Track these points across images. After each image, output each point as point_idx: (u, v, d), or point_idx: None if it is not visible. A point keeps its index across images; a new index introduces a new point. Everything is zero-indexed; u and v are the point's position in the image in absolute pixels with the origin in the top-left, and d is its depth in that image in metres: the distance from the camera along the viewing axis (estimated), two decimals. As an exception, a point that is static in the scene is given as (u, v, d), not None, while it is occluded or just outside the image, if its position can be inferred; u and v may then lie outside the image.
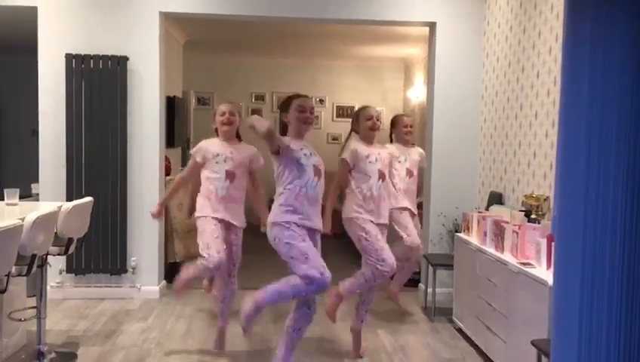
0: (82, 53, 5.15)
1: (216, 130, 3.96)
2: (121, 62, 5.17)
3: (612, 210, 2.06)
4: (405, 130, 4.90)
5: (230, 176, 3.82)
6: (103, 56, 5.15)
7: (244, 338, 3.99)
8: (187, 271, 3.72)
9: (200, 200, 3.87)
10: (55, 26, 5.19)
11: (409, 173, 4.82)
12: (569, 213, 2.10)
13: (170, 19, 5.92)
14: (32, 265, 3.10)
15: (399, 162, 4.74)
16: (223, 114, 3.91)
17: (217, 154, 3.83)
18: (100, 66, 5.16)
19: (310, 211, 3.29)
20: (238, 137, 4.01)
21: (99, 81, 5.16)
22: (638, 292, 2.13)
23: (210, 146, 3.88)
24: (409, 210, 4.77)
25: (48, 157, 5.25)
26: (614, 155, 2.01)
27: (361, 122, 4.06)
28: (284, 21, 5.77)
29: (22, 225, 2.83)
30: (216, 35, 7.69)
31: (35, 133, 6.91)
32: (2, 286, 2.77)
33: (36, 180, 5.39)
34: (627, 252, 2.10)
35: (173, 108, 6.75)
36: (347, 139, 4.15)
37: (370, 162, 3.95)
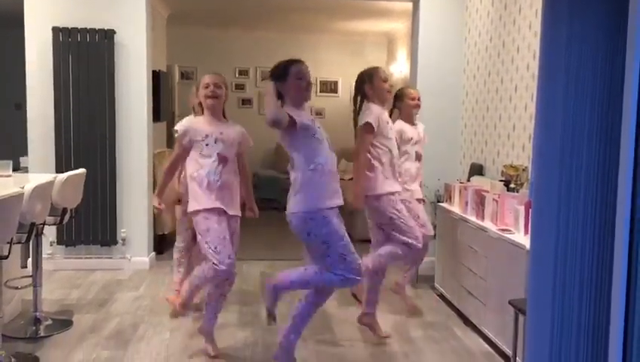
0: (69, 26, 5.16)
1: (199, 105, 3.55)
2: (108, 35, 5.20)
3: (585, 173, 2.20)
4: (413, 102, 4.33)
5: (223, 159, 3.38)
6: (90, 29, 5.18)
7: (268, 326, 3.59)
8: (187, 287, 3.48)
9: (192, 189, 3.39)
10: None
11: (418, 156, 4.35)
12: (545, 179, 2.24)
13: (155, -7, 5.93)
14: (31, 234, 3.20)
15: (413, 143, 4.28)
16: (207, 86, 3.43)
17: (206, 135, 3.37)
18: (87, 40, 5.18)
19: (337, 188, 3.07)
20: (223, 115, 3.58)
21: (86, 55, 5.19)
22: (607, 252, 2.28)
23: (197, 126, 3.43)
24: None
25: (36, 130, 5.29)
26: (588, 124, 2.15)
27: (376, 83, 3.71)
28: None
29: (22, 194, 2.92)
30: (199, 8, 7.70)
31: (19, 107, 6.91)
32: (5, 253, 2.86)
33: (22, 154, 5.43)
34: (599, 214, 2.26)
35: (158, 83, 6.77)
36: (356, 105, 3.76)
37: (391, 129, 3.73)
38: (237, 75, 9.55)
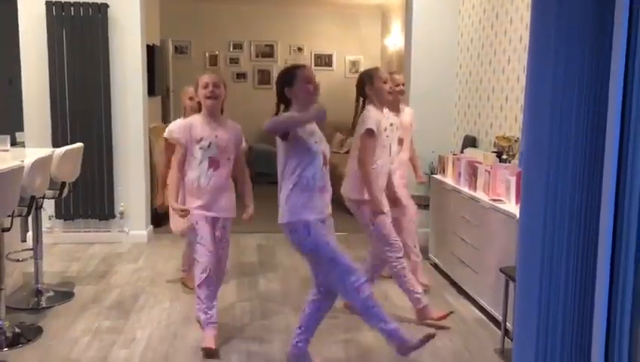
0: (62, 0, 5.14)
1: (197, 103, 3.47)
2: (101, 9, 5.19)
3: (574, 143, 2.26)
4: (397, 89, 4.19)
5: (214, 163, 3.35)
6: (83, 3, 5.17)
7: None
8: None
9: (182, 190, 3.41)
10: (33, -27, 5.17)
11: (400, 142, 4.16)
12: (534, 148, 2.30)
13: (148, -34, 5.90)
14: (31, 207, 3.26)
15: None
16: (206, 86, 3.34)
17: (201, 138, 3.33)
18: (81, 14, 5.18)
19: (322, 204, 3.02)
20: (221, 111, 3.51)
21: (80, 30, 5.18)
22: (594, 219, 2.34)
23: (193, 127, 3.36)
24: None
25: (32, 106, 5.31)
26: (577, 92, 2.19)
27: (376, 85, 3.65)
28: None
29: (23, 167, 2.97)
30: (193, -18, 7.64)
31: (11, 82, 6.89)
32: (8, 225, 2.92)
33: (17, 129, 5.45)
34: (586, 182, 2.32)
35: (152, 57, 6.76)
36: (357, 106, 3.73)
37: (387, 136, 3.66)
38: (231, 49, 9.52)
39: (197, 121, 3.40)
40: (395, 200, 3.80)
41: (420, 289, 3.74)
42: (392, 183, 3.81)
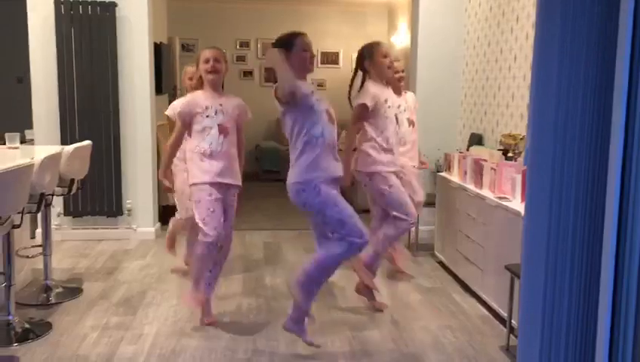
0: (71, -1, 5.20)
1: (199, 79, 3.51)
2: (110, 8, 5.22)
3: (579, 140, 2.27)
4: (397, 75, 4.31)
5: (224, 130, 3.40)
6: (91, 2, 5.20)
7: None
8: (193, 271, 3.56)
9: (193, 163, 3.44)
10: (42, -28, 5.21)
11: (411, 122, 4.36)
12: (539, 145, 2.31)
13: (155, -35, 5.93)
14: (41, 204, 3.30)
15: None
16: (207, 61, 3.40)
17: (206, 107, 3.39)
18: (89, 12, 5.21)
19: (332, 160, 3.10)
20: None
21: (88, 28, 5.22)
22: (599, 216, 2.36)
23: (196, 99, 3.44)
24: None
25: (41, 103, 5.35)
26: (582, 89, 2.20)
27: (376, 59, 3.67)
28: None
29: (33, 165, 3.01)
30: (200, -19, 7.67)
31: (20, 80, 6.95)
32: (18, 221, 2.96)
33: (26, 126, 5.50)
34: (591, 180, 2.33)
35: (159, 55, 6.80)
36: (353, 80, 3.80)
37: (389, 107, 3.69)
38: (238, 47, 9.55)
39: (199, 94, 3.47)
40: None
41: (376, 287, 3.89)
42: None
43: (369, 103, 3.59)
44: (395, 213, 3.75)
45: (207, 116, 3.38)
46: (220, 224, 3.38)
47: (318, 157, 3.01)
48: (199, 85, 3.54)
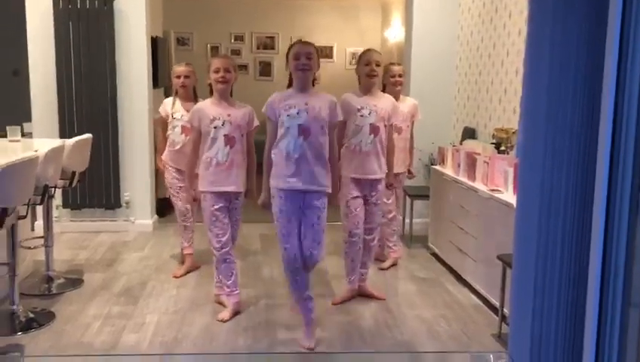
0: (69, -7, 5.23)
1: (208, 85, 3.57)
2: (107, 1, 5.27)
3: (569, 134, 2.35)
4: (393, 80, 4.45)
5: (230, 140, 3.47)
6: (89, -4, 5.25)
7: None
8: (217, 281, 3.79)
9: (201, 171, 3.56)
10: (40, -34, 5.24)
11: (397, 129, 4.30)
12: (531, 138, 2.40)
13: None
14: (45, 195, 3.36)
15: None
16: (218, 70, 3.45)
17: (214, 118, 3.46)
18: (87, 6, 5.26)
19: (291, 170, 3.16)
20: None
21: (86, 22, 5.27)
22: (588, 207, 2.44)
23: (205, 109, 3.51)
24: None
25: (39, 97, 5.40)
26: (572, 83, 2.28)
27: (359, 67, 3.79)
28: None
29: (38, 157, 3.07)
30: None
31: (16, 73, 6.96)
32: (24, 213, 3.03)
33: (23, 120, 5.53)
34: (580, 173, 2.42)
35: (155, 48, 6.83)
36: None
37: (362, 115, 3.71)
38: (232, 41, 9.59)
39: (207, 104, 3.55)
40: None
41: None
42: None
43: (341, 116, 3.49)
44: (344, 224, 3.82)
45: (215, 127, 3.46)
46: (224, 231, 3.55)
47: (281, 167, 3.20)
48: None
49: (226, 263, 3.62)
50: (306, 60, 3.13)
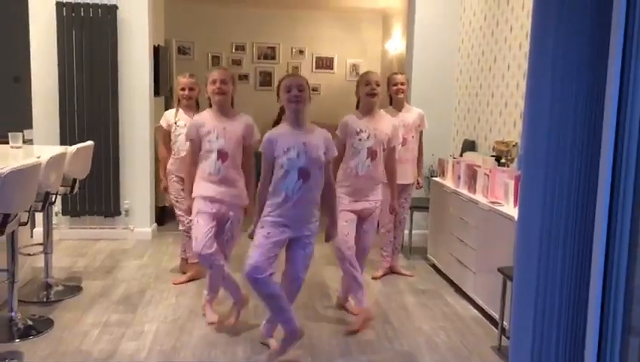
0: (72, 1, 5.25)
1: (207, 98, 3.55)
2: (111, 10, 5.29)
3: (571, 147, 2.36)
4: (395, 88, 4.48)
5: (223, 155, 3.44)
6: (92, 4, 5.27)
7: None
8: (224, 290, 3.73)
9: (196, 178, 3.54)
10: (44, -26, 5.27)
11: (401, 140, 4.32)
12: (533, 150, 2.40)
13: (156, -32, 6.01)
14: (46, 202, 3.36)
15: None
16: (214, 82, 3.43)
17: (209, 131, 3.43)
18: (91, 15, 5.28)
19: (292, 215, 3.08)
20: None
21: (89, 30, 5.29)
22: (590, 220, 2.44)
23: (202, 121, 3.49)
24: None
25: (41, 104, 5.41)
26: (574, 95, 2.29)
27: (358, 89, 3.76)
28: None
29: (40, 164, 3.08)
30: (198, -16, 7.74)
31: (17, 80, 6.98)
32: (26, 219, 3.03)
33: (24, 126, 5.53)
34: (582, 186, 2.43)
35: (157, 58, 6.86)
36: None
37: (360, 139, 3.69)
38: (233, 51, 9.62)
39: (204, 116, 3.52)
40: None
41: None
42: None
43: (340, 136, 3.67)
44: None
45: (209, 141, 3.44)
46: (205, 238, 3.40)
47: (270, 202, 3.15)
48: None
49: (211, 269, 3.53)
50: (298, 92, 3.02)
